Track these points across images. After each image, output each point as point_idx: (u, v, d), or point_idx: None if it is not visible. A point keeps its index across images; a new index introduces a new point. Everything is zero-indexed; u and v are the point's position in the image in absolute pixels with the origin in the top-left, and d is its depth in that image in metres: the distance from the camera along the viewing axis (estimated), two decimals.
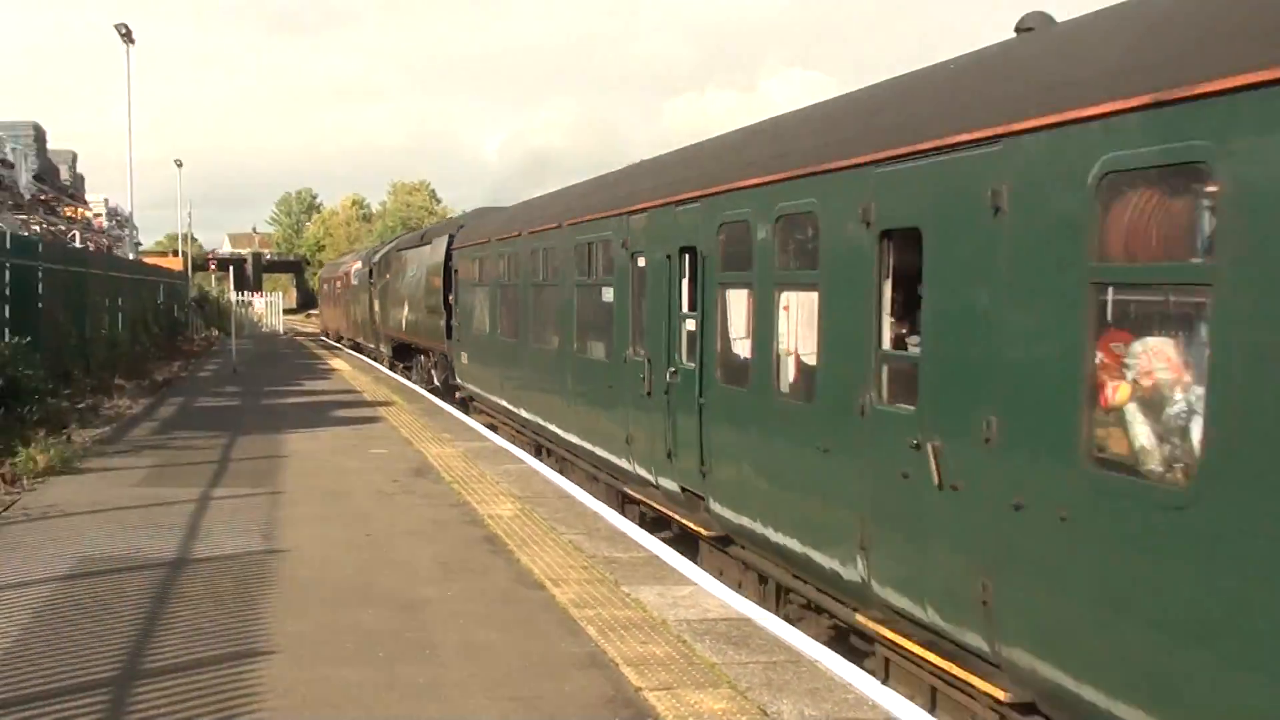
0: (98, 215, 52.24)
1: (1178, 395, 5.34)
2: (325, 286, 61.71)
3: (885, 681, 7.51)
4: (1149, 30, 5.66)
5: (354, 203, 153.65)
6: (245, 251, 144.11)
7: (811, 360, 8.74)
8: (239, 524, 11.51)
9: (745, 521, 9.83)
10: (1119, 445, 5.62)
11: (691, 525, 10.93)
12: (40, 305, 23.17)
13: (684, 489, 11.21)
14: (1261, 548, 4.66)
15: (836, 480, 8.13)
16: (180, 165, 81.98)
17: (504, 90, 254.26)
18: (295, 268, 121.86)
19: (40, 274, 23.29)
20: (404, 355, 33.04)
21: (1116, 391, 5.60)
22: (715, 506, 10.45)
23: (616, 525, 11.83)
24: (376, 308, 38.35)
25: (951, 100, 7.18)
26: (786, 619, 9.14)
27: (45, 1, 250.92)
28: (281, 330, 60.46)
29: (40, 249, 24.05)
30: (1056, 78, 6.11)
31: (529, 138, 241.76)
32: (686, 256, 11.29)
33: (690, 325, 11.20)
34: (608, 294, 13.84)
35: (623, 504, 13.28)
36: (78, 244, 43.09)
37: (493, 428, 20.41)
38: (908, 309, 7.58)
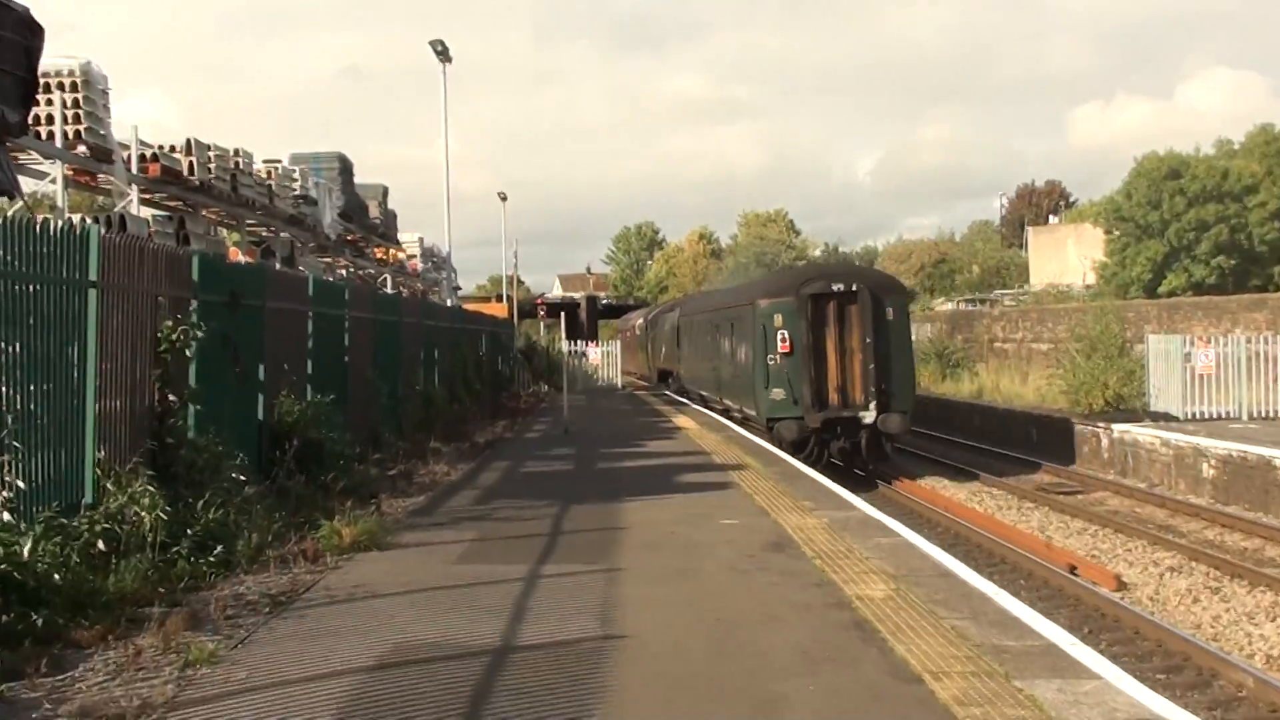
0: (411, 257, 54.92)
1: (729, 359, 38.65)
2: (620, 336, 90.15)
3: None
4: (739, 290, 42.57)
5: (701, 237, 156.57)
6: (578, 295, 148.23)
7: (727, 358, 38.91)
8: (571, 606, 11.81)
9: (729, 404, 38.49)
10: (733, 366, 37.91)
11: (720, 408, 40.76)
12: (346, 359, 24.53)
13: (723, 402, 40.05)
14: (735, 378, 37.10)
15: (731, 386, 37.92)
16: (505, 199, 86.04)
17: (878, 106, 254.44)
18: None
19: (347, 324, 24.62)
20: (663, 378, 62.40)
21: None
22: (723, 401, 39.81)
23: (1007, 608, 11.49)
24: (650, 350, 69.72)
25: (722, 298, 44.94)
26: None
27: (360, 21, 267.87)
28: (619, 384, 61.93)
29: (346, 295, 25.36)
30: (719, 300, 44.85)
31: (907, 158, 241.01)
32: (717, 328, 40.75)
33: (717, 348, 40.86)
34: (714, 340, 41.18)
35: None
36: (389, 289, 45.51)
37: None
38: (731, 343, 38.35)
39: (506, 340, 61.38)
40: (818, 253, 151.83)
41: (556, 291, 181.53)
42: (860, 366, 32.28)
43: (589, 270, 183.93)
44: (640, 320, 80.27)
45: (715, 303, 44.68)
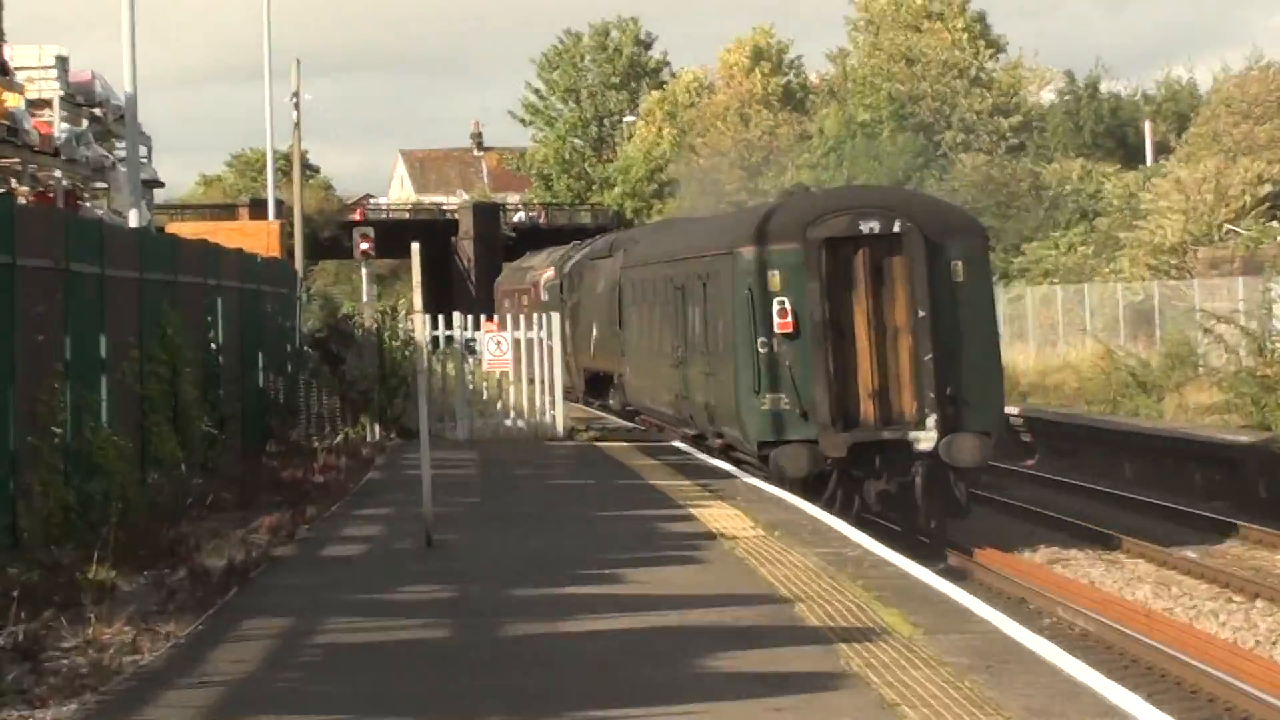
0: (37, 110, 54.38)
1: (700, 346, 68.38)
2: (507, 303, 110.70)
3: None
4: (710, 225, 76.05)
5: (758, 55, 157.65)
6: (453, 201, 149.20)
7: (699, 345, 64.73)
8: None
9: (702, 424, 64.84)
10: (705, 360, 65.16)
11: (693, 434, 63.07)
12: None
13: (692, 420, 63.58)
14: (708, 377, 65.77)
15: (698, 392, 61.99)
16: None
17: None
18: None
19: None
20: (595, 387, 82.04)
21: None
22: (692, 419, 65.65)
23: None
24: (570, 334, 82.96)
25: (685, 234, 76.11)
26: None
27: None
28: (558, 424, 61.23)
29: None
30: (680, 238, 75.90)
31: None
32: (680, 290, 66.24)
33: (678, 327, 69.04)
34: (676, 313, 67.04)
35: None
36: None
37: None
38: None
39: (280, 312, 61.68)
40: (1048, 95, 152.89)
41: (403, 194, 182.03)
42: (910, 357, 43.26)
43: (480, 143, 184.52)
44: (548, 272, 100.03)
45: (674, 245, 62.64)
